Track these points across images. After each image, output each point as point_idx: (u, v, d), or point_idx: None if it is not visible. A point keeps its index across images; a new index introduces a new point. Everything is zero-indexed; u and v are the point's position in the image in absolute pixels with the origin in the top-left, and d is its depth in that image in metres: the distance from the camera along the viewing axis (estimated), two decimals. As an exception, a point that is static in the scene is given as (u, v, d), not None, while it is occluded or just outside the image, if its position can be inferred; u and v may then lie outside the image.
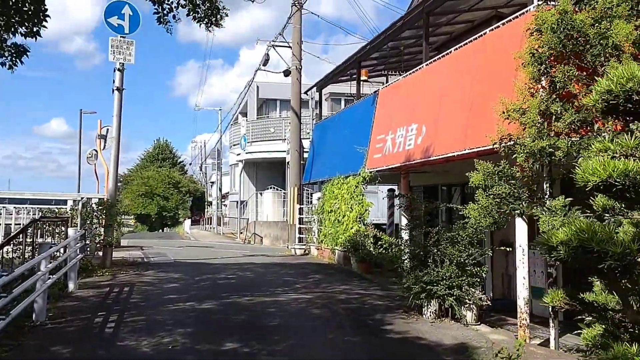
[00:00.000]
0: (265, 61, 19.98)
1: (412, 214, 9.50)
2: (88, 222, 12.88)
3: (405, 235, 12.79)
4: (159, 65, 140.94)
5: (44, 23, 7.61)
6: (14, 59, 7.97)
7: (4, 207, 13.82)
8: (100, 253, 13.47)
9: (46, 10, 7.49)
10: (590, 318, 5.66)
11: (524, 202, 6.81)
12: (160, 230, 57.41)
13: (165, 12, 7.85)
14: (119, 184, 69.57)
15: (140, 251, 18.39)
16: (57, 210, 13.29)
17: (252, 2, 10.15)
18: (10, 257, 9.93)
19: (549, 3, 7.04)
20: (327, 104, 29.08)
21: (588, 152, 5.59)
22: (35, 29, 7.58)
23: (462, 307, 8.35)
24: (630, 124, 3.63)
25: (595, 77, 6.48)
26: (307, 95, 20.33)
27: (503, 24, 8.84)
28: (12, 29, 7.44)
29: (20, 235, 10.01)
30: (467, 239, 8.57)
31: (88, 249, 12.84)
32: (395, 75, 15.95)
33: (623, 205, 3.65)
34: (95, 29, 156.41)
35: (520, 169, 6.75)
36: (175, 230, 48.52)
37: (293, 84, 18.74)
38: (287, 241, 22.06)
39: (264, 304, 9.07)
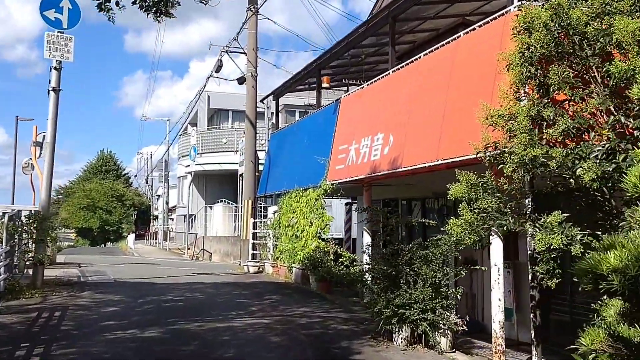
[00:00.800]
0: (218, 67, 18.92)
1: (384, 230, 8.71)
2: (16, 237, 11.48)
3: (366, 253, 12.06)
4: (105, 75, 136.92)
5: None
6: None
7: None
8: (31, 271, 12.06)
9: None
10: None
11: (510, 218, 6.13)
12: (103, 245, 55.07)
13: (106, -3, 6.83)
14: (59, 196, 67.13)
15: (78, 269, 16.88)
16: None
17: (205, 4, 9.18)
18: None
19: (533, 2, 6.46)
20: (282, 116, 28.26)
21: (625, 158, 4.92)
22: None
23: (437, 333, 7.62)
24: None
25: (591, 79, 6.00)
26: (263, 104, 19.43)
27: (480, 26, 8.26)
28: None
29: None
30: (442, 258, 7.87)
31: (16, 268, 11.46)
32: (356, 84, 15.27)
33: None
34: (39, 36, 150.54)
35: (507, 180, 6.07)
36: (118, 246, 46.32)
37: (248, 92, 17.81)
38: (238, 257, 20.93)
39: (216, 331, 8.06)
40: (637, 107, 5.05)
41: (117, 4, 6.92)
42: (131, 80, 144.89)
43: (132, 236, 40.41)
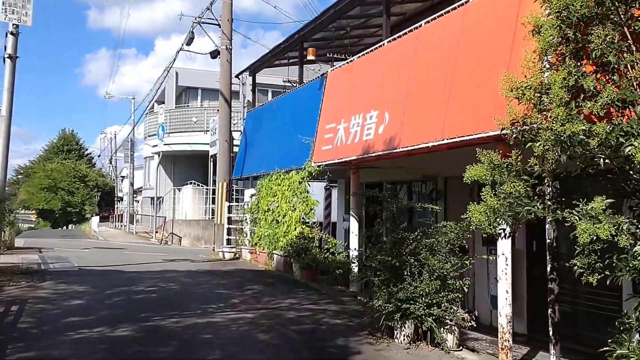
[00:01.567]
0: (190, 40, 17.66)
1: (384, 216, 7.90)
2: (-33, 221, 10.33)
3: (354, 238, 11.27)
4: (67, 52, 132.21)
5: None
6: None
7: None
8: (-16, 259, 10.94)
9: None
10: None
11: (538, 204, 5.39)
12: (65, 227, 53.22)
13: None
14: (19, 177, 64.52)
15: (38, 254, 15.62)
16: None
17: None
18: None
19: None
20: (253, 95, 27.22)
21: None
22: None
23: (443, 329, 6.91)
24: None
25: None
26: (239, 79, 18.32)
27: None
28: None
29: None
30: (448, 247, 7.14)
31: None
32: (341, 59, 14.35)
33: None
34: None
35: (538, 161, 5.32)
36: (81, 228, 44.59)
37: (222, 66, 16.67)
38: (210, 242, 19.96)
39: (196, 328, 7.18)
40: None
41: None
42: (95, 58, 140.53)
43: (96, 218, 38.88)
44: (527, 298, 9.21)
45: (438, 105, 7.96)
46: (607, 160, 4.95)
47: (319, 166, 11.47)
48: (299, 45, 13.94)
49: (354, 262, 11.19)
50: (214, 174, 22.12)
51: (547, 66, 5.55)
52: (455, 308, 7.00)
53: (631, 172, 4.85)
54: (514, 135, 5.50)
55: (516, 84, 5.56)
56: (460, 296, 7.15)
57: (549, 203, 5.35)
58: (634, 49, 4.92)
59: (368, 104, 9.96)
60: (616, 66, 5.03)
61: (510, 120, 5.58)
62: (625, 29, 4.91)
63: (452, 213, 10.71)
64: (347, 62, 11.41)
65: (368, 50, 10.57)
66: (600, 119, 5.10)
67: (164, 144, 27.66)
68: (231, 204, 16.82)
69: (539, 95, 5.40)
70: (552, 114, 5.09)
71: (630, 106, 4.99)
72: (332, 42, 14.85)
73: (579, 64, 5.26)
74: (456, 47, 7.89)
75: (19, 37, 10.68)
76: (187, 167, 31.93)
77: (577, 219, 4.89)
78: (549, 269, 6.47)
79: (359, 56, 10.88)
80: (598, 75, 5.15)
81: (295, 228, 12.03)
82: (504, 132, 5.65)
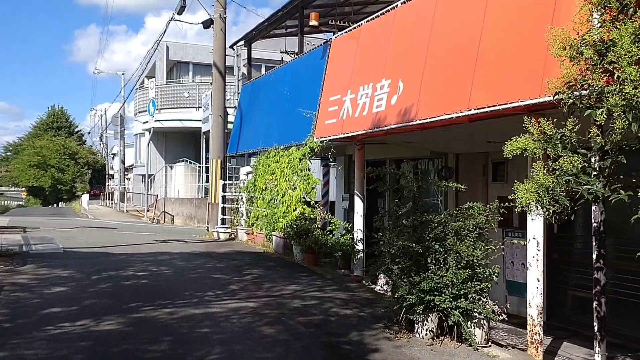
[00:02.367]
0: (181, 8, 16.55)
1: (399, 196, 7.08)
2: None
3: (359, 219, 10.49)
4: (56, 28, 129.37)
5: None
6: None
7: None
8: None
9: None
10: None
11: (597, 182, 4.57)
12: (55, 205, 52.34)
13: None
14: (8, 154, 63.23)
15: (21, 235, 14.72)
16: None
17: None
18: None
19: None
20: (246, 69, 26.21)
21: None
22: None
23: (470, 323, 6.14)
24: None
25: None
26: (233, 50, 17.29)
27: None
28: None
29: None
30: (477, 231, 6.34)
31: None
32: (345, 26, 13.37)
33: None
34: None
35: (600, 131, 4.50)
36: (72, 206, 43.61)
37: (216, 35, 15.62)
38: (203, 221, 19.13)
39: (192, 320, 6.38)
40: None
41: None
42: (84, 34, 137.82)
43: (86, 196, 37.89)
44: (545, 283, 8.54)
45: (463, 72, 7.11)
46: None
47: (321, 142, 10.61)
48: (299, 11, 12.95)
49: (358, 245, 10.44)
50: (207, 151, 21.23)
51: (602, 21, 4.70)
52: (484, 300, 6.24)
53: None
54: (571, 101, 4.66)
55: (571, 40, 4.71)
56: (489, 286, 6.38)
57: (611, 180, 4.55)
58: None
59: (379, 72, 9.08)
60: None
61: (564, 83, 4.73)
62: None
63: (463, 192, 9.97)
64: (354, 28, 10.47)
65: (378, 13, 9.64)
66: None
67: (155, 120, 26.65)
68: (226, 182, 15.93)
69: (598, 53, 4.56)
70: (621, 74, 4.25)
71: None
72: (333, 9, 13.87)
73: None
74: (483, 6, 7.00)
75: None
76: (179, 144, 30.99)
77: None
78: (595, 256, 5.71)
79: (368, 20, 9.95)
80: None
81: (296, 208, 11.20)
82: (556, 97, 4.81)
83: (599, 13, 4.67)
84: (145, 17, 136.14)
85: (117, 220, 24.66)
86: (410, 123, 7.98)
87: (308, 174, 11.18)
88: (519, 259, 9.37)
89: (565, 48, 4.75)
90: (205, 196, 23.28)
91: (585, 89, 4.57)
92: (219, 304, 7.18)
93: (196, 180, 25.93)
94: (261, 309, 7.05)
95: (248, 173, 14.71)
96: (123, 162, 39.53)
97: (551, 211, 4.54)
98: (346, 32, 10.77)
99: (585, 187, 4.51)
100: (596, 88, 4.43)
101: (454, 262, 6.12)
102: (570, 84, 4.68)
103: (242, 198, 14.86)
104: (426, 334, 6.14)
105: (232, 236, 14.97)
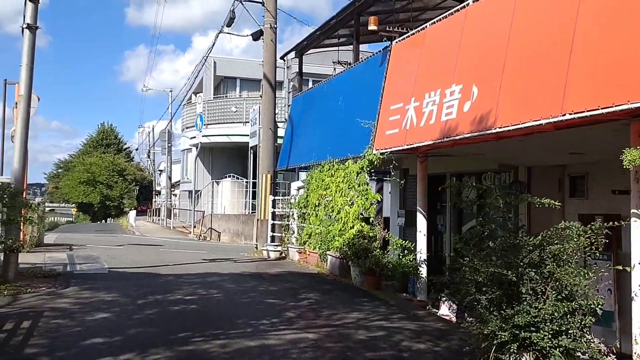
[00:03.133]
0: (231, 20, 16.11)
1: (483, 214, 6.18)
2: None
3: (422, 238, 9.60)
4: (106, 49, 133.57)
5: None
6: None
7: None
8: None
9: None
10: None
11: None
12: (103, 220, 53.16)
13: None
14: (59, 170, 64.82)
15: (67, 253, 14.37)
16: None
17: None
18: None
19: None
20: (294, 84, 25.71)
21: None
22: None
23: (574, 366, 5.17)
24: None
25: None
26: (283, 61, 16.72)
27: None
28: None
29: None
30: (576, 255, 5.39)
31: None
32: (403, 32, 12.57)
33: None
34: None
35: None
36: (119, 222, 43.98)
37: (267, 46, 15.06)
38: (250, 238, 18.53)
39: (248, 354, 5.62)
40: None
41: None
42: (133, 55, 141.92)
43: (133, 212, 38.04)
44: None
45: (553, 74, 6.19)
46: None
47: (382, 154, 9.80)
48: (355, 18, 12.24)
49: (421, 266, 9.55)
50: (254, 166, 20.70)
51: None
52: (589, 337, 5.26)
53: None
54: None
55: None
56: (593, 320, 5.39)
57: None
58: None
59: (448, 77, 8.22)
60: None
61: None
62: None
63: (536, 210, 8.96)
64: (417, 31, 9.67)
65: (445, 14, 8.82)
66: None
67: (202, 135, 26.42)
68: (275, 198, 15.27)
69: None
70: None
71: None
72: (390, 15, 13.10)
73: None
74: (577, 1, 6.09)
75: (39, 5, 9.26)
76: (226, 159, 30.68)
77: None
78: None
79: (433, 22, 9.14)
80: None
81: (353, 225, 10.38)
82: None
83: None
84: (192, 36, 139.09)
85: (163, 237, 24.36)
86: (487, 132, 7.09)
87: (367, 189, 10.37)
88: (604, 285, 8.34)
89: None
90: (252, 212, 22.73)
91: None
92: (275, 335, 6.41)
93: (243, 196, 25.47)
94: (323, 342, 6.24)
95: (299, 188, 14.00)
96: (170, 178, 39.64)
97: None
98: (407, 36, 9.98)
99: None
100: None
101: (554, 292, 5.18)
102: None
103: (293, 214, 14.15)
104: (521, 378, 5.20)
105: (283, 255, 14.24)
